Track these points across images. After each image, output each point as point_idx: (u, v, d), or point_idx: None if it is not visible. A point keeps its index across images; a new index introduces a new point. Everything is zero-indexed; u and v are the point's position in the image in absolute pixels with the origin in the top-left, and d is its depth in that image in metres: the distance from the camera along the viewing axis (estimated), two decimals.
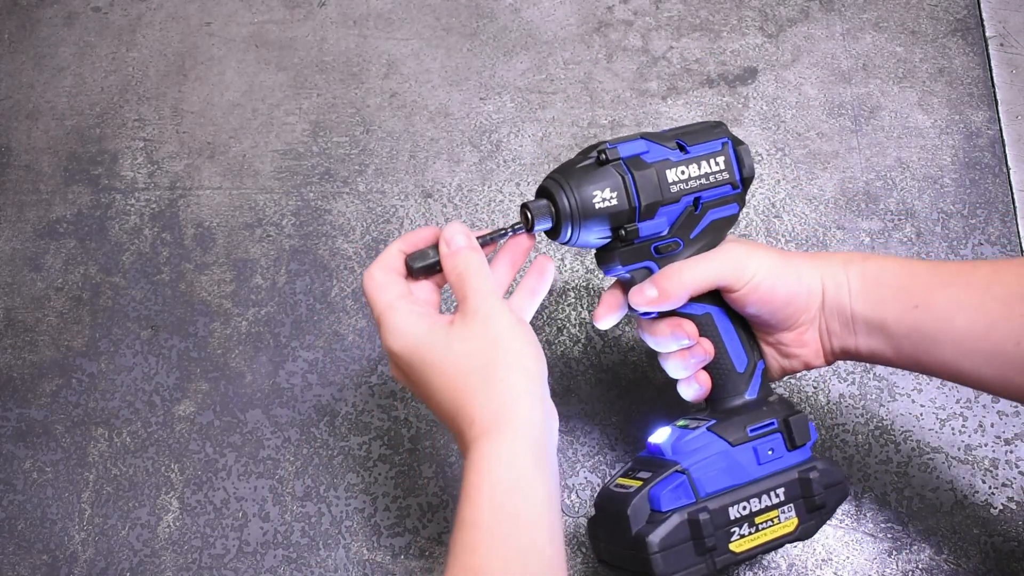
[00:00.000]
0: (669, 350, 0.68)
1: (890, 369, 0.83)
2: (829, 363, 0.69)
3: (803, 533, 0.68)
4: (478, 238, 0.64)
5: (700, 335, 0.68)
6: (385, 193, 0.92)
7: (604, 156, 0.64)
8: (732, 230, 0.70)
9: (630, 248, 0.66)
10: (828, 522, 0.77)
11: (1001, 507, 0.78)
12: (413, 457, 0.82)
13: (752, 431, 0.67)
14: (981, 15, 0.98)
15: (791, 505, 0.67)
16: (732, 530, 0.66)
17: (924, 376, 0.83)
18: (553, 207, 0.64)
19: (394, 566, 0.78)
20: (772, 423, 0.67)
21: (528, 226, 0.65)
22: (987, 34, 0.97)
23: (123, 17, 1.02)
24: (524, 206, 0.65)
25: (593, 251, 0.69)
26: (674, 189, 0.65)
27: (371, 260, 0.88)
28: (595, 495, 0.80)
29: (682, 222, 0.66)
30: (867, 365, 0.83)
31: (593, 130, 0.94)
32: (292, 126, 0.95)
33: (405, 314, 0.62)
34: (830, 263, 0.66)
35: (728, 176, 0.67)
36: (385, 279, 0.63)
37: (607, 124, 0.94)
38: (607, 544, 0.68)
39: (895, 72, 0.96)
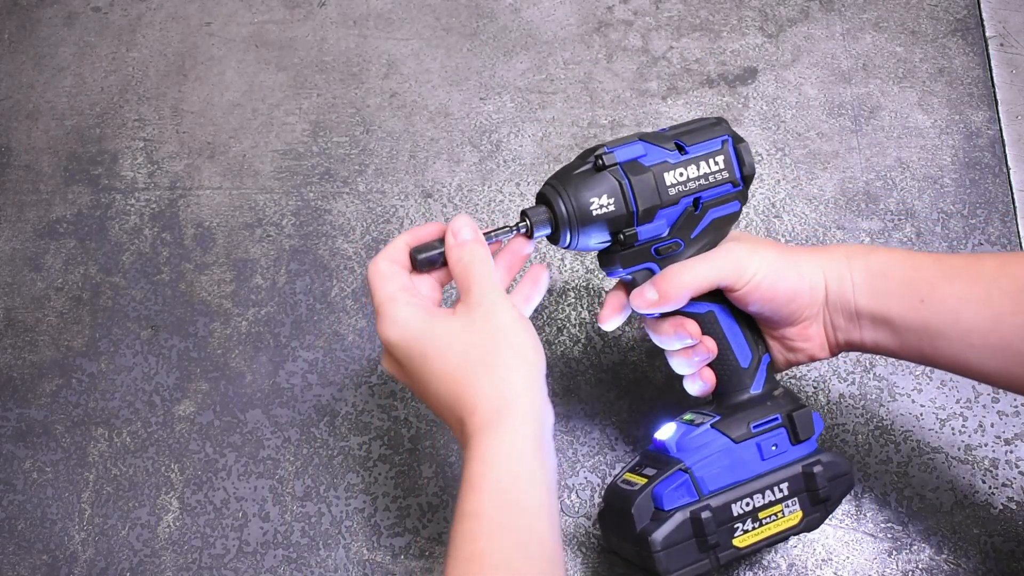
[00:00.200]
0: (673, 348, 0.69)
1: (890, 369, 0.83)
2: (834, 354, 0.69)
3: (808, 526, 0.68)
4: (483, 234, 0.64)
5: (703, 333, 0.68)
6: (385, 193, 0.92)
7: (601, 162, 0.64)
8: (734, 226, 0.70)
9: (630, 251, 0.66)
10: (828, 522, 0.77)
11: (1001, 507, 0.78)
12: (413, 457, 0.82)
13: (755, 427, 0.67)
14: (981, 15, 0.98)
15: (795, 499, 0.67)
16: (735, 526, 0.66)
17: (924, 376, 0.83)
18: (551, 214, 0.64)
19: (394, 566, 0.78)
20: (776, 419, 0.68)
21: (528, 232, 0.65)
22: (987, 34, 0.97)
23: (123, 17, 1.02)
24: (523, 213, 0.65)
25: (595, 253, 0.69)
26: (672, 192, 0.65)
27: (371, 259, 0.89)
28: (596, 493, 0.80)
29: (682, 223, 0.66)
30: (867, 365, 0.83)
31: (593, 130, 0.94)
32: (292, 126, 0.95)
33: (404, 305, 0.62)
34: (833, 257, 0.66)
35: (728, 175, 0.67)
36: (389, 271, 0.63)
37: (607, 124, 0.94)
38: (615, 537, 0.70)
39: (895, 72, 0.96)
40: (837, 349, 0.68)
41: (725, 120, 0.68)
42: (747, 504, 0.66)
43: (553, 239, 0.66)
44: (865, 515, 0.78)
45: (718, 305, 0.68)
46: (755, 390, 0.69)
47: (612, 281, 0.87)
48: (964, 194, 0.90)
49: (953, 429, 0.81)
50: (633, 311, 0.69)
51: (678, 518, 0.65)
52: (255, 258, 0.90)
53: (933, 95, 0.95)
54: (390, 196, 0.92)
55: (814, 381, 0.83)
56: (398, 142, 0.94)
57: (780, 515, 0.67)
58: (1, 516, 0.81)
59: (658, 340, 0.69)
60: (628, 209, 0.64)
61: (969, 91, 0.95)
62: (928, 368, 0.83)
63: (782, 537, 0.68)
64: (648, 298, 0.66)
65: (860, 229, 0.89)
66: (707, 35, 0.98)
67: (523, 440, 0.58)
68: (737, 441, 0.67)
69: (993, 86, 0.95)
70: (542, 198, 0.65)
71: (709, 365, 0.69)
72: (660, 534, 0.64)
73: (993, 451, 0.80)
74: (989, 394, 0.82)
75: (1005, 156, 0.92)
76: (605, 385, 0.83)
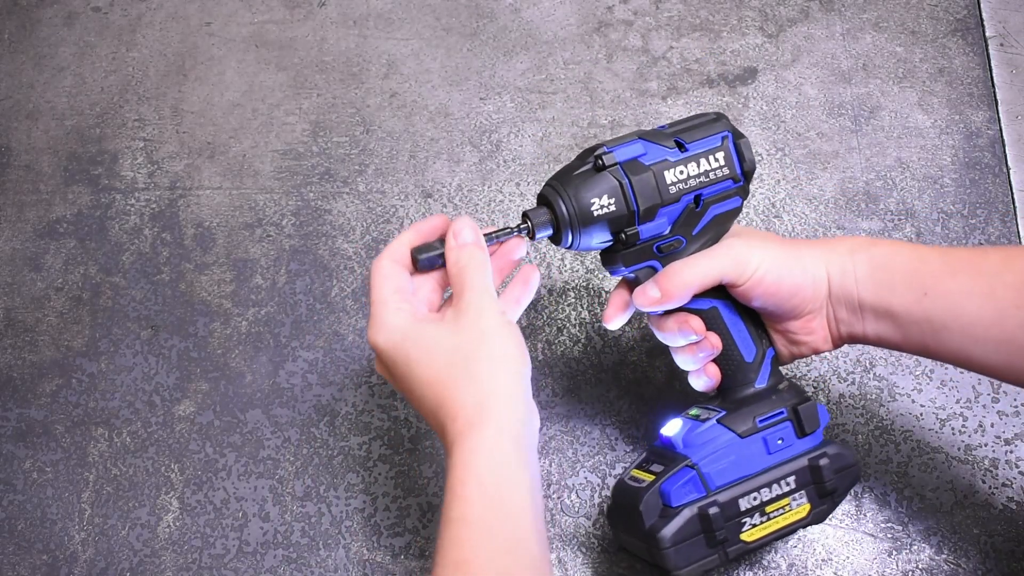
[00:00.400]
0: (677, 345, 0.69)
1: (890, 369, 0.83)
2: (837, 347, 0.69)
3: (816, 518, 0.69)
4: (485, 234, 0.64)
5: (708, 329, 0.68)
6: (385, 193, 0.92)
7: (601, 162, 0.64)
8: (737, 221, 0.70)
9: (632, 250, 0.66)
10: (828, 522, 0.77)
11: (1001, 507, 0.78)
12: (413, 457, 0.82)
13: (761, 421, 0.68)
14: (981, 15, 0.98)
15: (802, 492, 0.68)
16: (743, 520, 0.67)
17: (924, 376, 0.83)
18: (553, 215, 0.64)
19: (394, 566, 0.78)
20: (781, 412, 0.68)
21: (530, 234, 0.65)
22: (987, 34, 0.97)
23: (123, 17, 1.02)
24: (525, 215, 0.65)
25: (596, 252, 0.69)
26: (673, 190, 0.65)
27: (371, 260, 0.89)
28: (596, 493, 0.80)
29: (683, 220, 0.66)
30: (867, 365, 0.83)
31: (593, 130, 0.94)
32: (292, 126, 0.95)
33: (394, 311, 0.62)
34: (835, 250, 0.66)
35: (728, 171, 0.67)
36: (390, 270, 0.63)
37: (607, 124, 0.94)
38: (624, 534, 0.70)
39: (895, 72, 0.96)
40: (840, 342, 0.68)
41: (725, 115, 0.68)
42: (754, 498, 0.67)
43: (555, 240, 0.66)
44: (865, 515, 0.78)
45: (721, 301, 0.68)
46: (760, 384, 0.69)
47: (612, 281, 0.87)
48: (964, 194, 0.90)
49: (953, 429, 0.81)
50: (637, 309, 0.69)
51: (686, 514, 0.65)
52: (255, 258, 0.90)
53: (933, 95, 0.95)
54: (390, 196, 0.92)
55: (814, 381, 0.83)
56: (398, 142, 0.94)
57: (788, 508, 0.67)
58: (1, 516, 0.81)
59: (662, 337, 0.70)
60: (629, 208, 0.64)
61: (969, 91, 0.95)
62: (928, 368, 0.83)
63: (790, 530, 0.68)
64: (651, 296, 0.66)
65: (860, 229, 0.89)
66: (707, 35, 0.98)
67: (504, 444, 0.58)
68: (743, 436, 0.67)
69: (993, 86, 0.95)
70: (543, 199, 0.66)
71: (714, 360, 0.69)
72: (669, 531, 0.65)
73: (993, 451, 0.80)
74: (989, 394, 0.82)
75: (1005, 156, 0.92)
76: (605, 385, 0.83)
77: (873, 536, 0.78)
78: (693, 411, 0.70)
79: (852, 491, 0.78)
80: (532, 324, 0.86)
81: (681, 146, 0.66)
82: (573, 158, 0.68)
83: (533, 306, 0.86)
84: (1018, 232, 0.88)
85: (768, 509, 0.67)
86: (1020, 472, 0.79)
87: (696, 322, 0.68)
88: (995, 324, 0.61)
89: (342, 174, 0.93)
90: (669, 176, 0.65)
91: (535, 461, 0.60)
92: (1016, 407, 0.81)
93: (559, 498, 0.80)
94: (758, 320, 0.70)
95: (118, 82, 0.99)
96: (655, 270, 0.67)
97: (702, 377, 0.70)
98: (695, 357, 0.69)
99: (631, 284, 0.69)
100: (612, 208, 0.64)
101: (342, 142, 0.95)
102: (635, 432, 0.82)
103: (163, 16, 1.02)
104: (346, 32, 1.00)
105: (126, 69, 0.99)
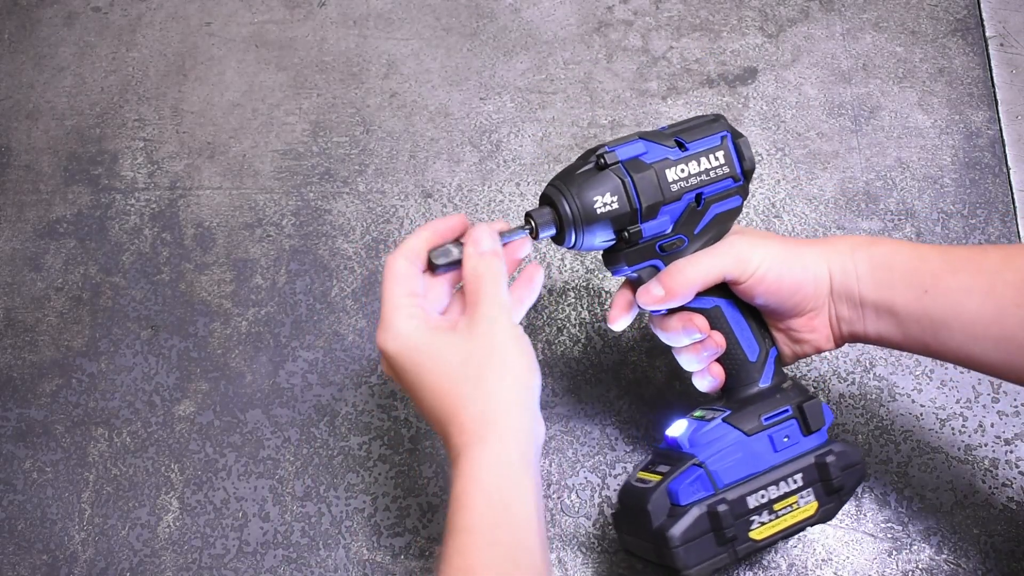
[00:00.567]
0: (681, 344, 0.69)
1: (890, 369, 0.83)
2: (839, 346, 0.69)
3: (823, 516, 0.69)
4: (500, 234, 0.64)
5: (711, 328, 0.69)
6: (385, 193, 0.92)
7: (603, 161, 0.64)
8: (737, 221, 0.70)
9: (635, 249, 0.67)
10: (828, 522, 0.77)
11: (1001, 507, 0.78)
12: (413, 457, 0.82)
13: (767, 419, 0.68)
14: (981, 15, 0.98)
15: (810, 490, 0.68)
16: (752, 518, 0.66)
17: (924, 376, 0.83)
18: (556, 215, 0.65)
19: (394, 566, 0.78)
20: (786, 410, 0.68)
21: (533, 234, 0.65)
22: (987, 34, 0.97)
23: (123, 17, 1.02)
24: (528, 215, 0.65)
25: (597, 252, 0.69)
26: (675, 188, 0.66)
27: (371, 260, 0.89)
28: (596, 493, 0.80)
29: (685, 219, 0.67)
30: (867, 365, 0.83)
31: (593, 130, 0.94)
32: (292, 126, 0.95)
33: (406, 317, 0.62)
34: (837, 248, 0.67)
35: (729, 170, 0.67)
36: (405, 271, 0.63)
37: (607, 124, 0.94)
38: (632, 537, 0.70)
39: (895, 72, 0.96)
40: (842, 340, 0.68)
41: (723, 116, 0.69)
42: (762, 496, 0.67)
43: (558, 239, 0.66)
44: (865, 515, 0.78)
45: (724, 300, 0.69)
46: (764, 383, 0.69)
47: (612, 281, 0.87)
48: (964, 194, 0.90)
49: (953, 429, 0.81)
50: (640, 310, 0.69)
51: (695, 512, 0.65)
52: (255, 258, 0.90)
53: (933, 95, 0.95)
54: (390, 196, 0.92)
55: (814, 381, 0.83)
56: (398, 142, 0.94)
57: (795, 506, 0.67)
58: (1, 516, 0.81)
59: (666, 338, 0.70)
60: (632, 206, 0.65)
61: (969, 91, 0.95)
62: (928, 368, 0.83)
63: (798, 528, 0.68)
64: (655, 294, 0.67)
65: (860, 229, 0.89)
66: (707, 35, 0.98)
67: (510, 456, 0.58)
68: (749, 434, 0.67)
69: (993, 86, 0.95)
70: (546, 199, 0.66)
71: (717, 360, 0.69)
72: (678, 529, 0.65)
73: (993, 451, 0.80)
74: (989, 394, 0.82)
75: (1005, 156, 0.92)
76: (605, 385, 0.83)
77: (873, 536, 0.78)
78: (697, 413, 0.70)
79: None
80: (532, 324, 0.86)
81: (681, 145, 0.66)
82: (573, 158, 0.68)
83: (533, 306, 0.86)
84: (1018, 232, 0.88)
85: (776, 507, 0.67)
86: (1020, 472, 0.79)
87: (700, 320, 0.68)
88: (995, 322, 0.61)
89: (342, 174, 0.93)
90: (670, 174, 0.65)
91: (538, 474, 0.61)
92: (1016, 407, 0.81)
93: (559, 498, 0.80)
94: (761, 319, 0.70)
95: (118, 82, 0.99)
96: (658, 269, 0.68)
97: (707, 377, 0.70)
98: (699, 356, 0.69)
99: (634, 285, 0.69)
100: (615, 206, 0.64)
101: (342, 142, 0.95)
102: (635, 432, 0.82)
103: (163, 16, 1.02)
104: (346, 32, 1.00)
105: (126, 69, 0.99)
